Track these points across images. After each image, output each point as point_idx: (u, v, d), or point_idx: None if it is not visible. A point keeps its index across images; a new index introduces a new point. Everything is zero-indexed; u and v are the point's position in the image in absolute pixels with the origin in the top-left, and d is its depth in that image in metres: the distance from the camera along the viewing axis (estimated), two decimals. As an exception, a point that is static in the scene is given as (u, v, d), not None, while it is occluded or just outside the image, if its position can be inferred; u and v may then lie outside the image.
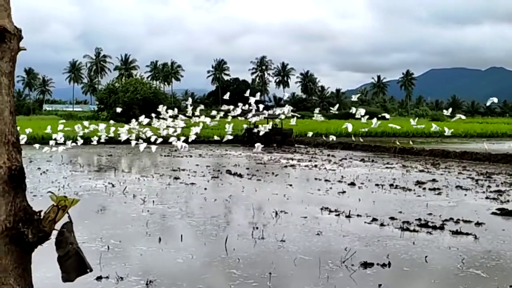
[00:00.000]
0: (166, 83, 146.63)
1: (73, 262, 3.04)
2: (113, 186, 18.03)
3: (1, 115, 2.92)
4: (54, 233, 2.99)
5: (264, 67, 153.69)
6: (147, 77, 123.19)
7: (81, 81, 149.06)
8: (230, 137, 34.06)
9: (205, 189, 17.80)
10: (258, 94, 24.57)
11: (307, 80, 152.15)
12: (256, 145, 23.88)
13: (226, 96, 26.30)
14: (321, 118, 27.24)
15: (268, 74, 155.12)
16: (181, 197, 16.07)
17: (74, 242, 3.04)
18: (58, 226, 3.01)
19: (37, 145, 22.99)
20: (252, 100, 24.14)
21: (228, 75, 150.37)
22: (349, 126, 23.24)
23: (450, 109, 22.74)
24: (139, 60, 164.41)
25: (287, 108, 31.16)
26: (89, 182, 19.10)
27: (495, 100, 19.90)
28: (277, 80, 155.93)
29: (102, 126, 28.12)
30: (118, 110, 35.70)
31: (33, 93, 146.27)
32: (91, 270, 3.16)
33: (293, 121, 30.21)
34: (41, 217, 2.92)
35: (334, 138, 25.65)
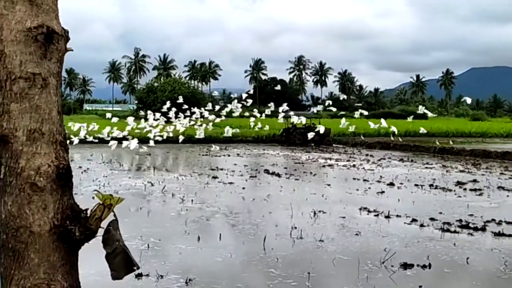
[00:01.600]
0: (204, 83, 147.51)
1: (121, 260, 3.08)
2: (152, 185, 18.20)
3: (49, 115, 2.98)
4: (100, 231, 3.03)
5: (301, 67, 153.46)
6: (185, 77, 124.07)
7: (120, 81, 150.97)
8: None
9: (243, 188, 17.84)
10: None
11: (345, 79, 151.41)
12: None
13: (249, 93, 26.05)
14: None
15: (306, 73, 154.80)
16: (220, 196, 16.13)
17: (120, 240, 3.08)
18: (104, 224, 3.06)
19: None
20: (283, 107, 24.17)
21: (265, 74, 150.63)
22: (382, 121, 23.06)
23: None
24: (177, 60, 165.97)
25: (320, 107, 31.05)
26: (128, 181, 19.32)
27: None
28: (314, 80, 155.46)
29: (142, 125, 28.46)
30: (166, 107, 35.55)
31: (74, 93, 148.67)
32: (138, 268, 3.20)
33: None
34: (88, 215, 2.97)
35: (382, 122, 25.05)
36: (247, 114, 28.86)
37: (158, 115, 23.48)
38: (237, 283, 8.21)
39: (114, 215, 3.05)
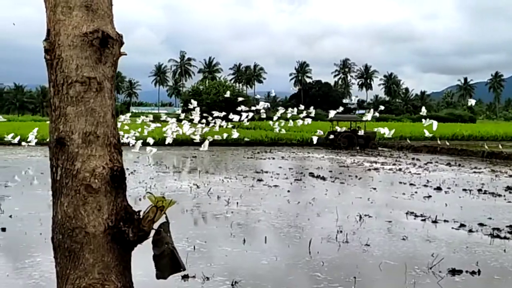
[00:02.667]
0: (248, 86, 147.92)
1: (168, 261, 3.12)
2: (197, 187, 18.33)
3: (104, 118, 3.05)
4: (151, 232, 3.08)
5: (346, 70, 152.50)
6: (230, 80, 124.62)
7: (166, 83, 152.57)
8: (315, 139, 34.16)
9: (288, 191, 17.82)
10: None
11: (391, 82, 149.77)
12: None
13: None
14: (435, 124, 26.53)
15: (351, 76, 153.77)
16: (265, 199, 16.14)
17: (170, 242, 3.12)
18: (155, 225, 3.10)
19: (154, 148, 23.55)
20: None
21: (310, 77, 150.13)
22: (434, 124, 22.89)
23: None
24: (222, 63, 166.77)
25: (370, 114, 30.97)
26: (174, 183, 19.49)
27: None
28: (359, 83, 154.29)
29: (186, 127, 28.76)
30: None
31: (121, 96, 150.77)
32: (184, 269, 3.24)
33: (369, 116, 30.00)
34: (141, 216, 3.02)
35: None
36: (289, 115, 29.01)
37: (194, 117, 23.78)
38: (282, 287, 8.22)
39: (166, 217, 3.09)
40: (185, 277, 8.26)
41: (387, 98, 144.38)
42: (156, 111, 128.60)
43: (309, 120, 30.55)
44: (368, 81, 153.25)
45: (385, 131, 27.53)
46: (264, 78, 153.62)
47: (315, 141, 34.57)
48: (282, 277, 8.70)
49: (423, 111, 28.17)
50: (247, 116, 28.77)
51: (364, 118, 41.49)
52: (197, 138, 27.72)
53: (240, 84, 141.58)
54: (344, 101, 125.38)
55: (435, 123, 24.65)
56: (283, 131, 35.86)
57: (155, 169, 24.80)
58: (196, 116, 29.03)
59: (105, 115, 3.01)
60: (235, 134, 31.33)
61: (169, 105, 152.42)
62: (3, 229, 11.45)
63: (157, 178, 20.87)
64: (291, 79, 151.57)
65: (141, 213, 3.01)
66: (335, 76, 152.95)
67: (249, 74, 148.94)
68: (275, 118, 33.11)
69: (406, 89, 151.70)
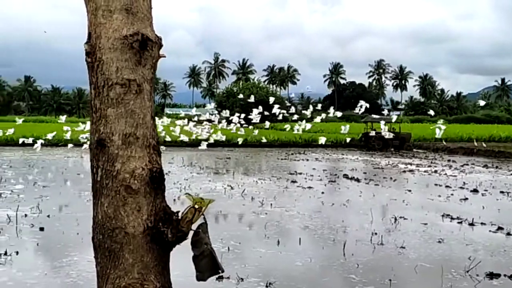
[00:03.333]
0: (282, 87, 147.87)
1: (207, 262, 3.15)
2: (232, 188, 18.38)
3: (144, 120, 3.08)
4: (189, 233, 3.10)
5: (381, 71, 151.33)
6: (264, 81, 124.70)
7: (200, 85, 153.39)
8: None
9: (322, 193, 17.77)
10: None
11: (426, 83, 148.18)
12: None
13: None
14: (442, 128, 26.39)
15: (386, 77, 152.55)
16: (298, 201, 16.11)
17: (208, 243, 3.14)
18: (193, 226, 3.12)
19: (163, 147, 23.80)
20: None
21: (344, 78, 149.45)
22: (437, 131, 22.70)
23: None
24: (256, 64, 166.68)
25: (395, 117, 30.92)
26: (209, 184, 19.58)
27: None
28: (394, 84, 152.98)
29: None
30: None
31: (156, 97, 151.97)
32: (222, 271, 3.26)
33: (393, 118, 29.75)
34: (179, 217, 3.04)
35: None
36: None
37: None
38: (317, 288, 8.19)
39: (204, 218, 3.11)
40: (220, 278, 8.29)
41: (422, 99, 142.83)
42: (190, 113, 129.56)
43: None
44: (403, 82, 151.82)
45: (437, 130, 27.23)
46: (298, 79, 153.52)
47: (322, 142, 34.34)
48: (316, 279, 8.68)
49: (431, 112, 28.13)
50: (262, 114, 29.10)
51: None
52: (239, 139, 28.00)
53: (274, 86, 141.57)
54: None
55: (437, 130, 24.58)
56: (300, 131, 35.91)
57: (189, 170, 24.93)
58: (235, 117, 29.41)
59: (144, 116, 3.04)
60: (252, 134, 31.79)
61: (203, 107, 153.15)
62: (42, 229, 11.64)
63: (192, 179, 20.98)
64: (325, 80, 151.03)
65: (180, 214, 3.04)
66: (369, 77, 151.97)
67: (282, 76, 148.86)
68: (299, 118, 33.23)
69: (442, 90, 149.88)
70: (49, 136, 31.05)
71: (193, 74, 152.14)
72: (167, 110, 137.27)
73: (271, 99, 34.27)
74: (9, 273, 8.53)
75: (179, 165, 27.38)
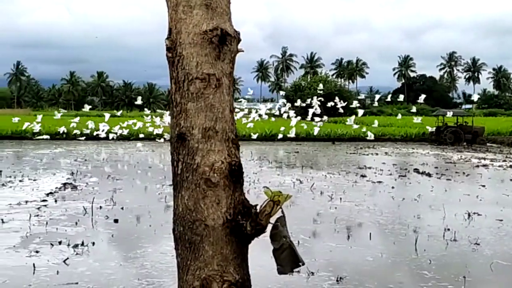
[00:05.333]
0: (350, 81, 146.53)
1: (287, 255, 3.16)
2: (300, 182, 18.37)
3: (223, 114, 3.12)
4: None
5: (453, 63, 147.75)
6: (332, 75, 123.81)
7: (268, 79, 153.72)
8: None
9: (392, 187, 17.53)
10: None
11: (500, 75, 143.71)
12: None
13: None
14: None
15: (457, 70, 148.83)
16: (368, 195, 15.96)
17: (287, 236, 3.15)
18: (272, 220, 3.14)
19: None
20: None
21: (414, 71, 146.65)
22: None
23: None
24: (324, 58, 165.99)
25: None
26: (277, 178, 19.63)
27: None
28: (466, 76, 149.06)
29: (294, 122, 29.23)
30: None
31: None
32: (303, 264, 3.27)
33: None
34: (258, 211, 3.07)
35: None
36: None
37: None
38: (389, 284, 8.09)
39: (282, 211, 3.13)
40: (291, 272, 8.30)
41: (496, 92, 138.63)
42: (258, 107, 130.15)
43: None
44: (476, 74, 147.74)
45: None
46: (367, 73, 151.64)
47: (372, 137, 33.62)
48: (387, 274, 8.58)
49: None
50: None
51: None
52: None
53: (342, 79, 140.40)
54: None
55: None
56: (355, 126, 35.80)
57: (258, 164, 25.05)
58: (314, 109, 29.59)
59: (223, 110, 3.08)
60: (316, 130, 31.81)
61: (271, 101, 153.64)
62: (116, 221, 11.95)
63: (261, 173, 21.07)
64: (394, 73, 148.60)
65: (258, 207, 3.07)
66: (440, 70, 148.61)
67: (351, 69, 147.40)
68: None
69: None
70: (116, 129, 32.12)
71: (261, 69, 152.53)
72: (236, 105, 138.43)
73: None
74: (87, 263, 8.80)
75: (248, 158, 27.55)
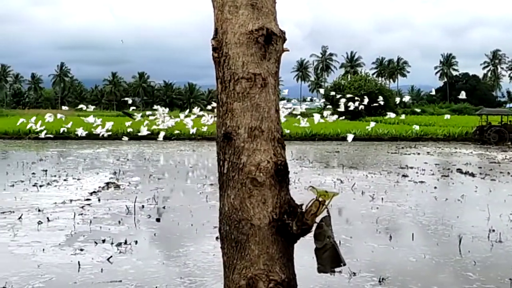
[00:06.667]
0: (391, 80, 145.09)
1: (329, 255, 3.15)
2: (341, 182, 18.28)
3: (268, 113, 3.13)
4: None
5: (497, 61, 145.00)
6: (372, 74, 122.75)
7: (308, 79, 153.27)
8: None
9: (435, 187, 17.31)
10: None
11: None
12: None
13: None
14: None
15: (502, 68, 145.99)
16: (410, 195, 15.80)
17: (331, 236, 3.15)
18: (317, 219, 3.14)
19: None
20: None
21: (456, 70, 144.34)
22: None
23: None
24: (364, 57, 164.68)
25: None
26: (318, 178, 19.56)
27: None
28: (511, 75, 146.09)
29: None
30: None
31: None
32: (344, 264, 3.26)
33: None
34: (304, 210, 3.07)
35: None
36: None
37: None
38: (432, 285, 7.99)
39: (327, 211, 3.12)
40: (332, 272, 8.25)
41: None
42: (298, 106, 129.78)
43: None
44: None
45: None
46: (408, 72, 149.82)
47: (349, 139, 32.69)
48: (431, 275, 8.47)
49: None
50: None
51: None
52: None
53: (383, 78, 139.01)
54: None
55: None
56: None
57: (298, 163, 25.01)
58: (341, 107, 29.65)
59: (269, 110, 3.09)
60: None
61: (311, 100, 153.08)
62: (158, 220, 12.08)
63: (301, 172, 21.04)
64: (436, 72, 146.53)
65: (304, 207, 3.07)
66: (484, 68, 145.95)
67: (392, 68, 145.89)
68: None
69: None
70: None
71: (301, 68, 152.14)
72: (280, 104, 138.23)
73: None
74: (130, 261, 8.91)
75: (288, 158, 27.41)
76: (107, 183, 17.47)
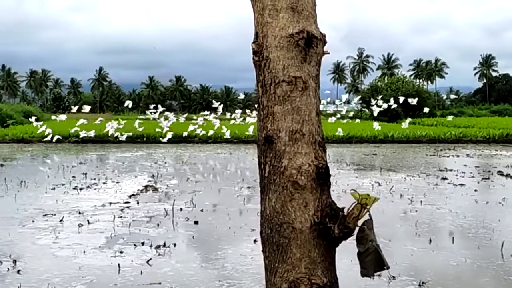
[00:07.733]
0: (429, 81, 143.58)
1: (372, 259, 3.14)
2: (379, 185, 18.13)
3: (309, 116, 3.13)
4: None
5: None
6: (410, 76, 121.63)
7: (344, 81, 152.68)
8: None
9: (475, 190, 17.04)
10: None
11: None
12: None
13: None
14: None
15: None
16: (450, 198, 15.58)
17: (374, 239, 3.13)
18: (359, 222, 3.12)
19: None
20: None
21: (496, 71, 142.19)
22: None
23: None
24: (401, 58, 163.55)
25: None
26: (355, 181, 19.44)
27: None
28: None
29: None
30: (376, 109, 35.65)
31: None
32: (388, 268, 3.24)
33: None
34: (345, 214, 3.06)
35: None
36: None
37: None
38: (474, 290, 7.87)
39: (369, 215, 3.10)
40: (372, 275, 8.19)
41: None
42: (335, 109, 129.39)
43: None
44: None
45: None
46: (446, 73, 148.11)
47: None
48: (473, 280, 8.35)
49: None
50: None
51: None
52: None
53: (421, 80, 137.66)
54: None
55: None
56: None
57: (335, 166, 24.89)
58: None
59: (310, 113, 3.09)
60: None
61: (347, 103, 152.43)
62: (196, 222, 12.14)
63: (338, 175, 20.91)
64: (475, 73, 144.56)
65: (345, 210, 3.06)
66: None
67: (429, 69, 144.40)
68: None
69: None
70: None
71: (337, 70, 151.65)
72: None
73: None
74: (169, 264, 8.98)
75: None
76: (146, 186, 17.63)
